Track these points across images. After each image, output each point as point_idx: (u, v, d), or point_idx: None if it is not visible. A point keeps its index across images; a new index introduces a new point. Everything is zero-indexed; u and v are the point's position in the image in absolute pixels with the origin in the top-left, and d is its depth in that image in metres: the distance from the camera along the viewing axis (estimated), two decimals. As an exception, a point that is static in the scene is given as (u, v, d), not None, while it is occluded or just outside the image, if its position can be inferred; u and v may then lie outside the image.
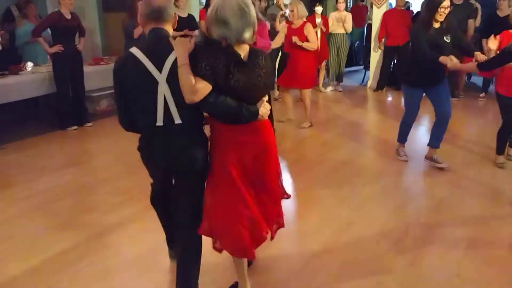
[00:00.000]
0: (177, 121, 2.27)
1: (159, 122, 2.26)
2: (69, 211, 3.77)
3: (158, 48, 2.22)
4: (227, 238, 2.44)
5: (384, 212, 3.59)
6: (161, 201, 2.74)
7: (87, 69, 6.35)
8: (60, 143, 5.81)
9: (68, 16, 5.88)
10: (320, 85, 8.52)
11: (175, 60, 2.18)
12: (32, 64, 6.14)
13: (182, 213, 2.46)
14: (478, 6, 7.62)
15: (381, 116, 7.25)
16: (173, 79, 2.18)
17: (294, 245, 3.14)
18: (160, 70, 2.20)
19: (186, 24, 6.26)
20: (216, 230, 2.45)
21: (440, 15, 3.89)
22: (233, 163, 2.35)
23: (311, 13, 7.96)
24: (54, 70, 5.94)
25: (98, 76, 6.64)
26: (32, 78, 5.96)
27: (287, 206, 3.68)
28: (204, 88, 2.15)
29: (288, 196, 2.78)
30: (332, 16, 8.15)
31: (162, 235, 2.83)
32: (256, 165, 2.41)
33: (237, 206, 2.36)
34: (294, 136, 5.77)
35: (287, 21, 6.23)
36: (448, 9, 3.92)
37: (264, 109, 2.34)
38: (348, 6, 11.44)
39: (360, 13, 9.96)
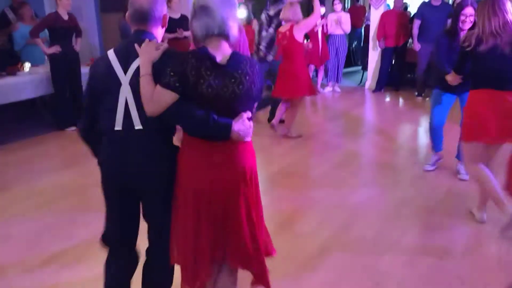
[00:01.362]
0: (137, 126, 2.06)
1: (118, 126, 2.07)
2: (68, 212, 3.77)
3: (130, 50, 2.06)
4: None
5: (382, 213, 3.60)
6: (118, 251, 2.31)
7: (84, 69, 6.28)
8: (58, 144, 5.79)
9: (66, 17, 5.88)
10: (319, 85, 8.53)
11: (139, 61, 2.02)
12: (29, 64, 6.13)
13: (153, 243, 2.28)
14: None
15: (380, 117, 7.27)
16: (137, 82, 2.01)
17: (292, 246, 3.15)
18: (125, 71, 2.07)
19: (178, 25, 6.26)
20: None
21: (462, 22, 3.85)
22: (197, 187, 2.03)
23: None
24: (51, 70, 5.94)
25: None
26: (30, 79, 5.96)
27: (285, 208, 3.72)
28: (164, 99, 1.89)
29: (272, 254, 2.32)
30: (330, 17, 8.15)
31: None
32: (229, 195, 2.04)
33: (189, 236, 2.06)
34: (292, 138, 5.74)
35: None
36: (472, 18, 3.78)
37: (242, 126, 1.95)
38: (346, 7, 11.47)
39: (358, 14, 9.99)
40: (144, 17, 2.08)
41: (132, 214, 2.21)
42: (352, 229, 3.33)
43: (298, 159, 5.04)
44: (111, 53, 2.09)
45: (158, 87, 1.87)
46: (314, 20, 5.32)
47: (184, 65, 1.86)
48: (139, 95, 1.94)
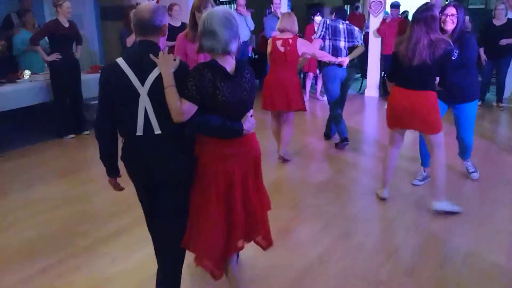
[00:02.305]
0: (157, 131, 2.30)
1: (139, 132, 2.30)
2: (66, 219, 3.81)
3: (143, 61, 2.26)
4: (200, 247, 2.43)
5: (382, 221, 3.62)
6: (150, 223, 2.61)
7: (84, 77, 6.42)
8: (57, 152, 5.85)
9: (66, 24, 5.97)
10: (318, 93, 8.62)
11: (158, 75, 2.21)
12: (29, 72, 6.20)
13: (164, 229, 2.45)
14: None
15: (379, 124, 7.25)
16: (155, 93, 2.21)
17: (292, 254, 3.18)
18: (142, 83, 2.24)
19: (179, 33, 6.25)
20: (193, 240, 2.44)
21: (443, 23, 3.89)
22: (216, 176, 2.37)
23: (310, 21, 8.17)
24: (51, 78, 6.02)
25: (95, 84, 6.46)
26: (30, 86, 6.04)
27: (285, 215, 3.74)
28: (190, 109, 2.19)
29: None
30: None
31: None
32: (243, 176, 2.42)
33: (212, 219, 2.37)
34: (292, 145, 5.76)
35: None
36: (453, 17, 3.89)
37: (249, 123, 2.35)
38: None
39: (357, 22, 10.08)
40: (146, 27, 2.27)
41: (151, 198, 2.48)
42: (352, 237, 3.34)
43: (297, 166, 5.07)
44: (122, 63, 2.25)
45: (182, 99, 2.15)
46: (318, 55, 5.27)
47: (202, 79, 2.18)
48: (157, 104, 2.20)
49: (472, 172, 4.35)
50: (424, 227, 3.51)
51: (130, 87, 2.25)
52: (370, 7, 8.71)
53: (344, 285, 2.82)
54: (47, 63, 6.07)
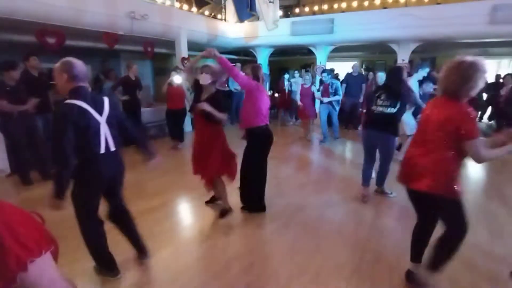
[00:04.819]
0: (112, 149, 2.62)
1: (102, 150, 2.55)
2: (162, 185, 5.22)
3: (97, 100, 2.52)
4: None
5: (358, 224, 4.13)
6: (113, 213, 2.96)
7: (143, 109, 8.28)
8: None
9: (133, 78, 7.83)
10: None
11: (108, 106, 2.55)
12: None
13: (119, 196, 3.01)
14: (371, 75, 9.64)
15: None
16: (110, 120, 2.53)
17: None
18: (100, 114, 2.47)
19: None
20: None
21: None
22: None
23: (281, 78, 9.34)
24: (123, 109, 7.47)
25: (150, 114, 8.91)
26: None
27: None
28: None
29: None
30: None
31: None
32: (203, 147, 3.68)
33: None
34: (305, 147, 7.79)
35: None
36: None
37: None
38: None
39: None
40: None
41: (105, 189, 2.85)
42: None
43: (301, 174, 6.22)
44: (82, 103, 2.42)
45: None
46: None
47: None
48: (113, 129, 2.58)
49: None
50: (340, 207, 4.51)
51: (91, 117, 2.44)
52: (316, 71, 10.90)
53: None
54: (121, 101, 7.61)
